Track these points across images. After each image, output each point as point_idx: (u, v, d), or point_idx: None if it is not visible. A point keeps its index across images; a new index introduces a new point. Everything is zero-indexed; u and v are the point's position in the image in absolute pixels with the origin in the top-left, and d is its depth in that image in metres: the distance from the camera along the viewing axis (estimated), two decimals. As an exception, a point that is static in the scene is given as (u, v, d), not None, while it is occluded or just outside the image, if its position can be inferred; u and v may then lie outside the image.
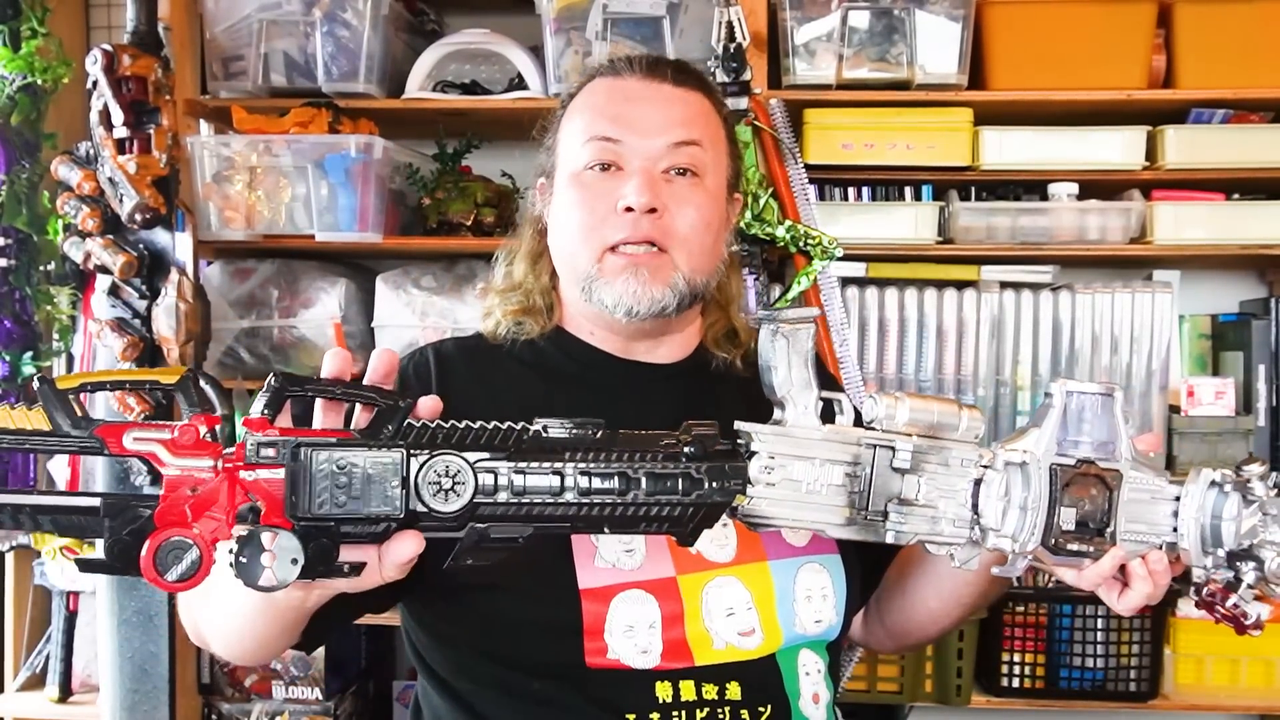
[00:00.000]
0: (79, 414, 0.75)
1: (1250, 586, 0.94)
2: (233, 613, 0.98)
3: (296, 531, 0.76)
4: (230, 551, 0.74)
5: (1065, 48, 2.06)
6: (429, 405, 0.82)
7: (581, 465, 0.82)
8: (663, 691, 1.03)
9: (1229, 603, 0.95)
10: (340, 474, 0.77)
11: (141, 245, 1.97)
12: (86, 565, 0.75)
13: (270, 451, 0.77)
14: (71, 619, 2.18)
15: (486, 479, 0.80)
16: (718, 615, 1.06)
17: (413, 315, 2.13)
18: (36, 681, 2.24)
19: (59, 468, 2.14)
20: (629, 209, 1.07)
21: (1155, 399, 2.12)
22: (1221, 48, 2.05)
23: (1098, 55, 2.06)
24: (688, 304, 1.12)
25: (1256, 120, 2.11)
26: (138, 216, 1.90)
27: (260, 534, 0.75)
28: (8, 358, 2.15)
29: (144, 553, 0.73)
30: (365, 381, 0.84)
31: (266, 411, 0.78)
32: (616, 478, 0.82)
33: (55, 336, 2.23)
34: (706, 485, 0.84)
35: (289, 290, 2.18)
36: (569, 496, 0.81)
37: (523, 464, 0.81)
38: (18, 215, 2.15)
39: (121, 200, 1.91)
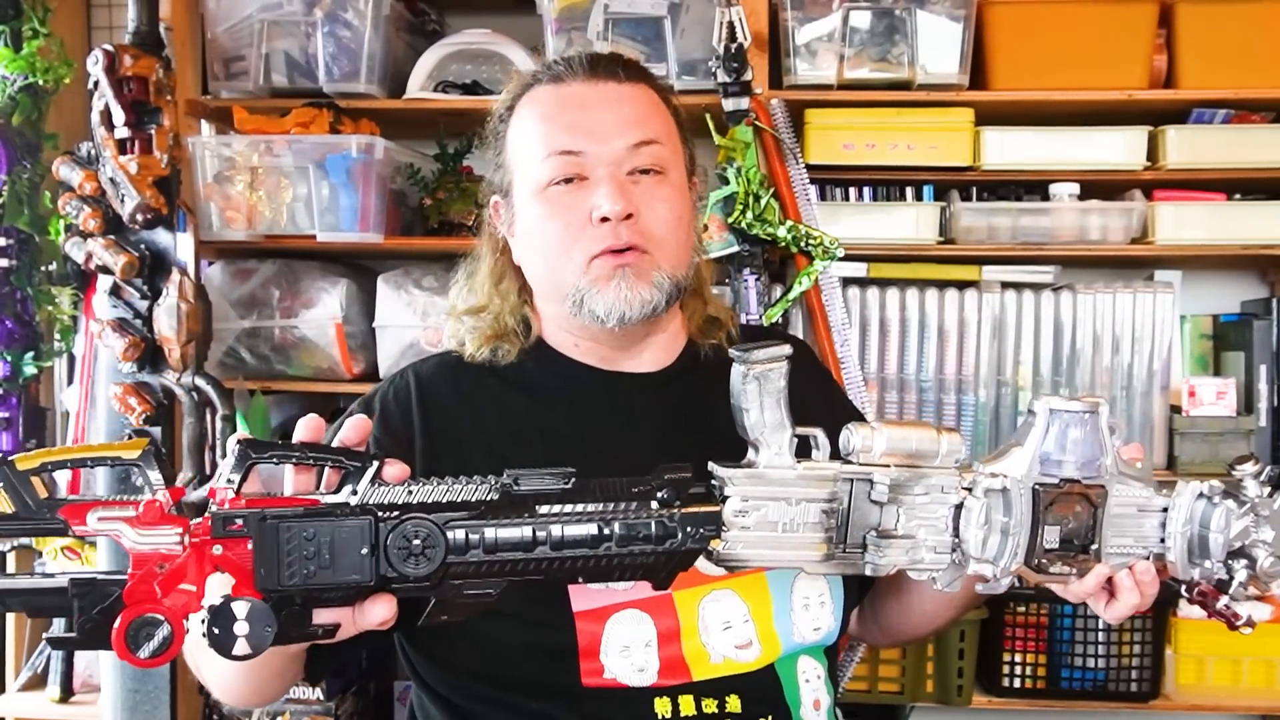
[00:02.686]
0: (42, 495, 0.75)
1: (1242, 585, 0.94)
2: (223, 664, 0.98)
3: (267, 601, 0.76)
4: (202, 622, 0.74)
5: (1066, 48, 2.06)
6: (394, 473, 0.81)
7: (553, 518, 0.81)
8: (661, 707, 1.02)
9: (1220, 603, 0.95)
10: (308, 544, 0.77)
11: (143, 245, 1.97)
12: (59, 643, 0.75)
13: (236, 525, 0.76)
14: (72, 619, 2.17)
15: (457, 537, 0.80)
16: (714, 630, 1.05)
17: (414, 315, 2.14)
18: (38, 682, 2.24)
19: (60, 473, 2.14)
20: (605, 219, 1.05)
21: (1156, 399, 2.12)
22: (1222, 48, 2.05)
23: (1099, 55, 2.06)
24: (674, 300, 1.10)
25: (1258, 120, 2.11)
26: (139, 217, 1.90)
27: (231, 605, 0.75)
28: (9, 358, 2.16)
29: (115, 632, 0.73)
30: (336, 443, 0.83)
31: (232, 479, 0.77)
32: (589, 528, 0.82)
33: (57, 337, 2.24)
34: (680, 533, 0.83)
35: (290, 290, 2.18)
36: (541, 550, 0.81)
37: (493, 520, 0.80)
38: (19, 215, 2.15)
39: (123, 200, 1.91)
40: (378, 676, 2.33)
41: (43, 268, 2.20)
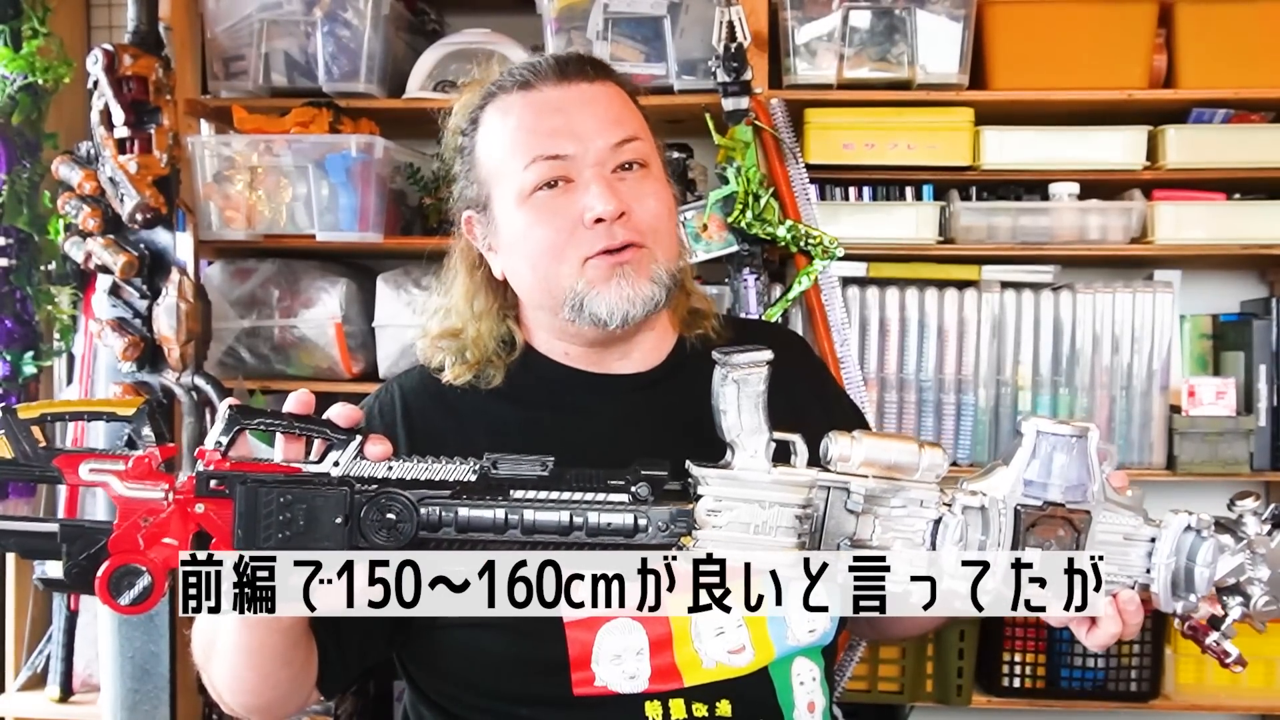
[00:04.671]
0: (41, 443, 0.79)
1: (1236, 622, 0.93)
2: (227, 652, 0.99)
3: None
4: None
5: (1066, 48, 2.06)
6: (377, 451, 0.84)
7: (526, 502, 0.84)
8: (652, 711, 1.02)
9: (1210, 639, 0.94)
10: (286, 509, 0.80)
11: (142, 245, 1.97)
12: (49, 584, 0.80)
13: (219, 485, 0.80)
14: (72, 618, 2.18)
15: (431, 514, 0.83)
16: (707, 636, 1.04)
17: (413, 315, 2.13)
18: (37, 681, 2.24)
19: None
20: (599, 220, 1.03)
21: (1156, 399, 2.12)
22: (1222, 47, 2.05)
23: (1098, 55, 2.06)
24: (673, 294, 1.09)
25: (1257, 120, 2.11)
26: (138, 216, 1.90)
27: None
28: (9, 357, 2.16)
29: (99, 578, 0.77)
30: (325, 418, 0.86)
31: (220, 442, 0.81)
32: (561, 516, 0.84)
33: (56, 336, 2.23)
34: (651, 527, 0.85)
35: (289, 290, 2.18)
36: (512, 534, 0.83)
37: (467, 500, 0.83)
38: (19, 215, 2.15)
39: (122, 200, 1.91)
40: (377, 676, 2.33)
41: (42, 267, 2.20)
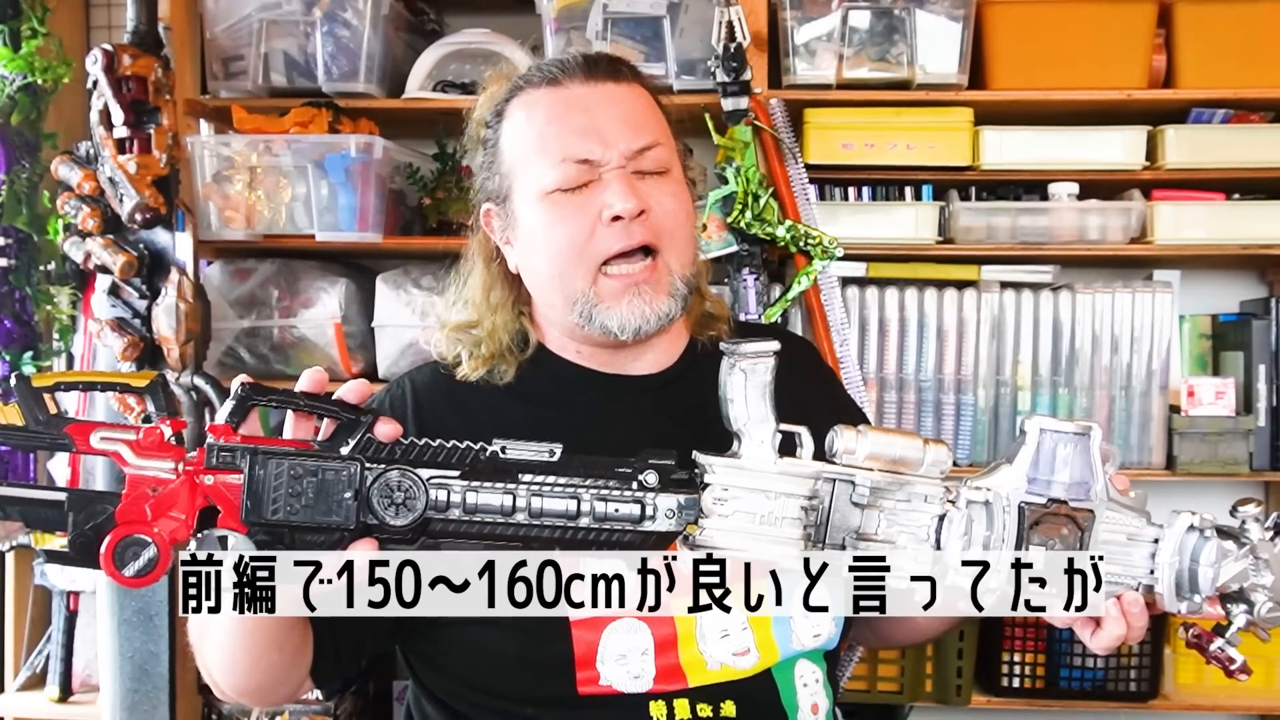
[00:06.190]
0: (53, 412, 0.80)
1: (1240, 630, 0.93)
2: (221, 632, 1.00)
3: (250, 536, 0.80)
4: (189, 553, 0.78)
5: (1065, 48, 2.06)
6: (387, 431, 0.84)
7: (534, 487, 0.85)
8: (657, 711, 1.03)
9: (1214, 646, 0.94)
10: (295, 483, 0.81)
11: (142, 245, 1.97)
12: (52, 557, 0.80)
13: (228, 457, 0.81)
14: (72, 619, 2.18)
15: (439, 495, 0.84)
16: (712, 638, 1.04)
17: (413, 315, 2.13)
18: (37, 681, 2.24)
19: (59, 466, 2.14)
20: (617, 217, 1.03)
21: (1155, 399, 2.12)
22: (1222, 47, 2.06)
23: (1098, 55, 2.06)
24: (688, 304, 1.10)
25: (1257, 120, 2.11)
26: (138, 216, 1.90)
27: (214, 537, 0.80)
28: (8, 357, 2.15)
29: (104, 548, 0.77)
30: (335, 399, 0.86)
31: (231, 419, 0.82)
32: (567, 501, 0.85)
33: (55, 336, 2.23)
34: (659, 514, 0.86)
35: (289, 290, 2.18)
36: (520, 517, 0.84)
37: (476, 483, 0.84)
38: (18, 215, 2.15)
39: (122, 200, 1.91)
40: (377, 676, 2.33)
41: (41, 267, 2.19)
